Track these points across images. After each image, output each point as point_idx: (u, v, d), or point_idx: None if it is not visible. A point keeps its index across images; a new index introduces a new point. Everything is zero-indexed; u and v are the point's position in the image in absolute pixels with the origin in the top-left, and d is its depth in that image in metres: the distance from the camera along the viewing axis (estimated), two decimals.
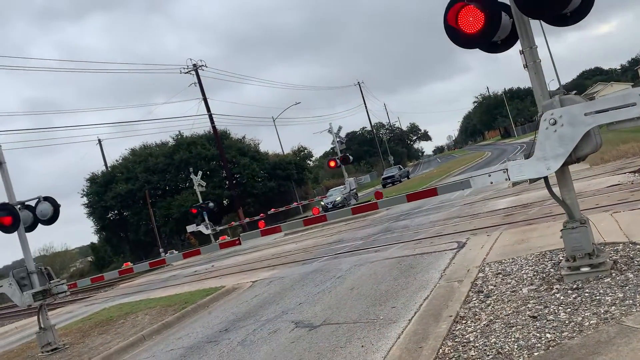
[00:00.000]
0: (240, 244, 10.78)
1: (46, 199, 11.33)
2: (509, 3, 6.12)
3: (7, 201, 11.03)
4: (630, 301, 4.86)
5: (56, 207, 11.40)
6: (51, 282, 11.06)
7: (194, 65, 42.02)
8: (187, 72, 41.91)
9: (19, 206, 11.15)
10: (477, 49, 6.67)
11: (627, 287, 5.23)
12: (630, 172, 13.72)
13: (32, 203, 11.40)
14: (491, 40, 6.38)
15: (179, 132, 50.46)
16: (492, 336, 5.06)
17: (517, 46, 6.36)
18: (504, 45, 6.70)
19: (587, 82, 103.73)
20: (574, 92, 6.84)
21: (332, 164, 28.83)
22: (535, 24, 6.48)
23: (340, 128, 30.00)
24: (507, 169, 6.22)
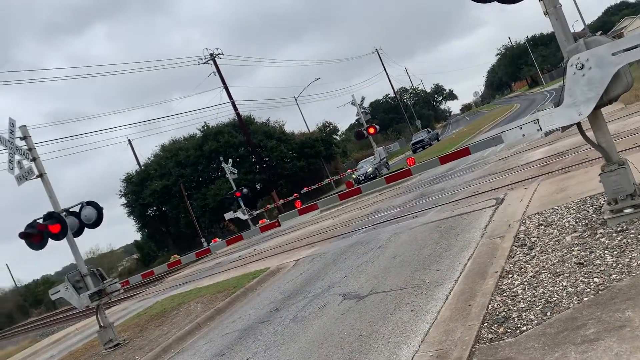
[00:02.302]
0: (279, 225, 11.00)
1: (89, 203, 11.74)
2: None
3: (52, 210, 11.48)
4: None
5: (99, 211, 11.81)
6: (104, 282, 11.53)
7: (211, 54, 42.18)
8: (205, 62, 42.12)
9: (64, 213, 11.59)
10: (495, 1, 6.55)
11: None
12: None
13: (76, 209, 11.83)
14: None
15: (205, 123, 51.07)
16: (540, 287, 5.10)
17: None
18: None
19: (613, 18, 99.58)
20: (599, 32, 6.66)
21: (359, 135, 28.74)
22: None
23: (363, 99, 29.77)
24: (538, 120, 6.16)
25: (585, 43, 5.63)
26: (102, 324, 11.54)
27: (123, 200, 51.15)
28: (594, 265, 5.01)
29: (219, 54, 42.53)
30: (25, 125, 11.61)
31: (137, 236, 56.42)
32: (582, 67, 5.55)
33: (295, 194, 32.14)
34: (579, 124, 5.98)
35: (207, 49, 43.78)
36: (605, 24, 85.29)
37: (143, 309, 16.37)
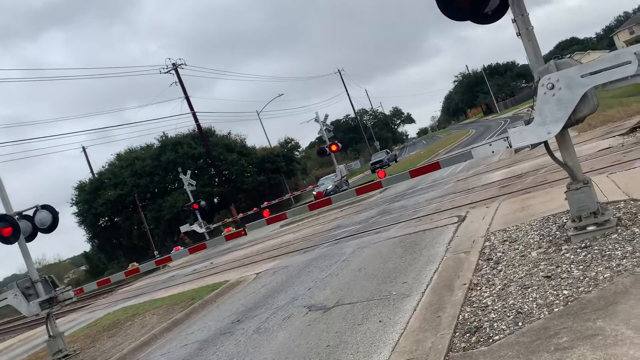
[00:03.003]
0: (246, 234, 10.83)
1: (44, 207, 11.25)
2: None
3: (4, 212, 10.93)
4: None
5: (55, 215, 11.33)
6: (57, 289, 11.01)
7: (174, 64, 41.70)
8: (167, 72, 41.58)
9: (17, 216, 11.05)
10: (469, 21, 6.74)
11: (635, 241, 5.37)
12: (619, 136, 13.94)
13: (30, 212, 11.31)
14: (483, 11, 6.45)
15: (164, 132, 50.18)
16: (510, 298, 5.18)
17: (507, 16, 6.47)
18: (495, 15, 6.76)
19: (564, 52, 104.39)
20: (568, 55, 6.94)
21: (322, 152, 28.87)
22: None
23: (326, 116, 30.03)
24: (508, 137, 6.33)
25: (556, 64, 5.85)
26: (51, 334, 10.99)
27: (74, 209, 49.37)
28: (562, 279, 5.14)
29: (182, 64, 42.12)
30: None
31: (87, 247, 54.49)
32: (553, 87, 5.76)
33: (255, 209, 31.82)
34: (546, 143, 6.18)
35: (169, 59, 43.41)
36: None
37: (94, 320, 15.72)
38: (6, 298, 10.99)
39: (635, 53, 5.33)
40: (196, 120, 43.22)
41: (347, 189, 30.03)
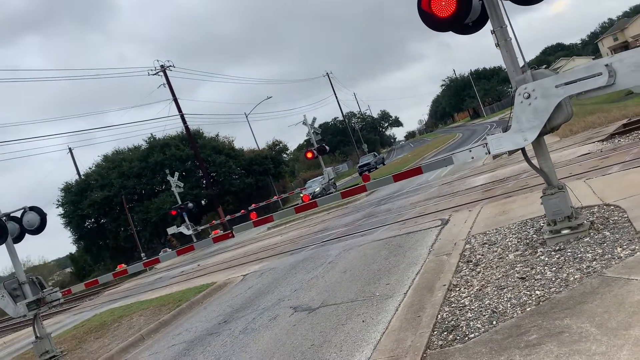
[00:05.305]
0: (233, 236, 10.98)
1: (32, 208, 11.29)
2: None
3: None
4: (609, 255, 5.27)
5: (43, 217, 11.38)
6: (44, 290, 11.07)
7: (162, 66, 41.68)
8: (155, 74, 41.53)
9: (4, 218, 11.10)
10: (450, 32, 6.99)
11: (605, 244, 5.64)
12: (598, 142, 14.31)
13: (18, 214, 11.36)
14: (463, 22, 6.69)
15: (151, 134, 50.04)
16: (486, 299, 5.42)
17: (487, 27, 6.72)
18: (475, 26, 7.04)
19: (550, 58, 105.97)
20: (544, 66, 7.21)
21: (310, 154, 29.06)
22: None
23: (314, 119, 30.20)
24: (486, 143, 6.58)
25: (532, 75, 6.11)
26: (38, 335, 11.02)
27: (60, 210, 48.96)
28: (535, 280, 5.39)
29: (170, 66, 42.11)
30: None
31: (73, 249, 54.04)
32: (529, 96, 6.02)
33: (243, 211, 31.96)
34: (523, 149, 6.44)
35: (157, 60, 43.32)
36: (542, 63, 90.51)
37: (80, 322, 15.75)
38: None
39: (605, 65, 5.60)
40: (184, 122, 43.23)
41: (334, 192, 30.26)
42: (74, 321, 17.54)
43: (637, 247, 5.21)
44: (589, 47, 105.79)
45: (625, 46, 68.52)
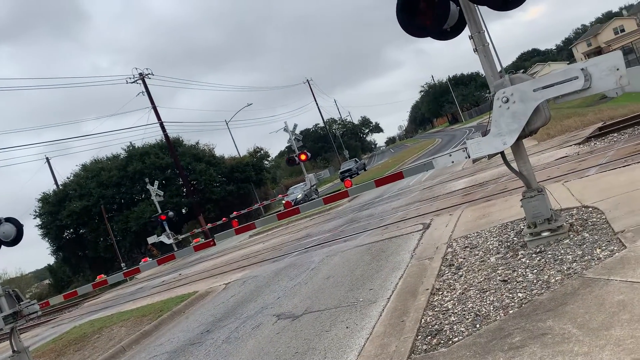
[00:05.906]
0: (214, 244, 10.87)
1: (8, 219, 11.03)
2: None
3: None
4: (589, 257, 5.33)
5: (19, 228, 11.12)
6: (21, 303, 10.82)
7: (140, 74, 41.28)
8: (134, 82, 41.10)
9: None
10: (429, 37, 7.05)
11: (584, 245, 5.71)
12: (575, 145, 14.56)
13: None
14: (441, 28, 6.75)
15: (130, 143, 49.52)
16: (469, 302, 5.44)
17: (465, 32, 6.80)
18: (453, 32, 7.10)
19: (526, 63, 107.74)
20: (522, 70, 7.31)
21: (292, 161, 29.04)
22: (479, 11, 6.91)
23: (295, 125, 30.24)
24: (466, 148, 6.63)
25: (510, 79, 6.18)
26: (15, 349, 10.75)
27: (37, 221, 48.06)
28: (517, 282, 5.42)
29: (149, 74, 41.74)
30: None
31: (51, 260, 53.05)
32: (507, 100, 6.08)
33: (224, 219, 31.73)
34: (502, 153, 6.51)
35: (136, 68, 42.90)
36: (519, 68, 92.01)
37: (59, 335, 15.43)
38: None
39: (582, 69, 5.70)
40: (164, 130, 42.82)
41: (316, 198, 30.27)
42: (52, 334, 17.18)
43: (615, 248, 5.28)
44: (564, 52, 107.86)
45: (599, 51, 69.98)
